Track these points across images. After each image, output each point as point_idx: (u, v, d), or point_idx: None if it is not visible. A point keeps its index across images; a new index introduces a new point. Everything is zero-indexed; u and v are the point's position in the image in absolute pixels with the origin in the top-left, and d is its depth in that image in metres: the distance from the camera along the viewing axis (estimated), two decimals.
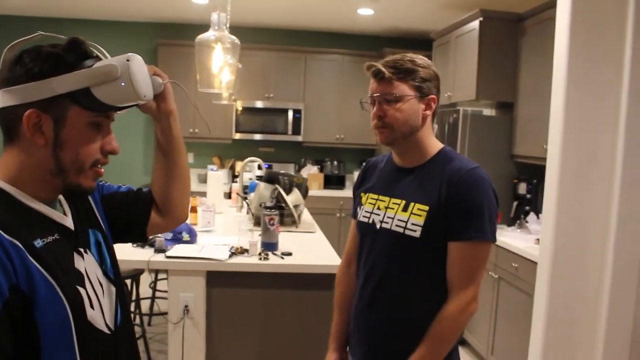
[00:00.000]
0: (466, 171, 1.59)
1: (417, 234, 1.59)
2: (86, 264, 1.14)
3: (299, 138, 6.38)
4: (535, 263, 3.07)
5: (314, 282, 2.78)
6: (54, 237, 1.07)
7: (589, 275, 2.79)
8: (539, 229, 3.05)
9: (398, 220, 1.63)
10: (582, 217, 2.80)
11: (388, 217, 1.66)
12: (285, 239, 3.16)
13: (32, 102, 1.03)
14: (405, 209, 1.63)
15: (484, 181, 1.60)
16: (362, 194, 1.82)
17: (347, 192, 6.41)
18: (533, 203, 3.99)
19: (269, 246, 2.92)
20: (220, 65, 3.25)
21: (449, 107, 4.68)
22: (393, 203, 1.68)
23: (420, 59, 1.68)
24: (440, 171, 1.63)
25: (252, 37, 6.20)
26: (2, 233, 0.97)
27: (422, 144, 1.68)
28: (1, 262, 0.94)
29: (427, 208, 1.59)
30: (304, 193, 3.80)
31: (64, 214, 1.15)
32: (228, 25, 3.18)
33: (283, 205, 3.52)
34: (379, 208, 1.71)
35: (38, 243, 1.02)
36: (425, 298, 1.63)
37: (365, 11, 5.49)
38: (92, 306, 1.10)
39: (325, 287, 2.77)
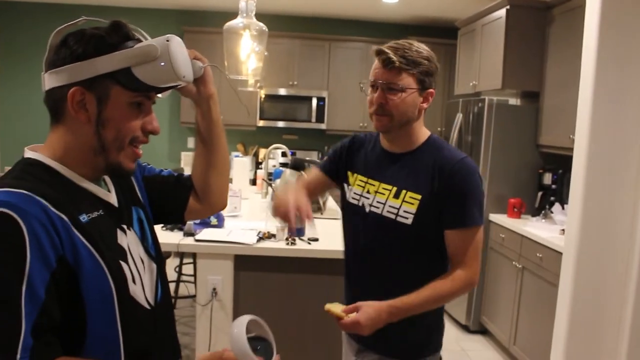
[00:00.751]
0: (458, 161, 1.66)
1: (409, 222, 1.66)
2: (129, 240, 1.17)
3: (323, 126, 6.40)
4: (560, 253, 3.07)
5: (340, 267, 2.81)
6: (98, 213, 1.11)
7: (614, 266, 2.79)
8: (564, 220, 3.05)
9: (389, 206, 1.69)
10: (608, 207, 2.79)
11: (378, 202, 1.72)
12: (312, 225, 3.19)
13: (76, 81, 1.06)
14: (397, 196, 1.69)
15: (475, 171, 1.69)
16: (349, 173, 1.87)
17: None
18: (558, 193, 3.97)
19: (296, 231, 2.95)
20: (248, 53, 3.28)
21: (474, 97, 4.66)
22: (383, 188, 1.73)
23: (425, 50, 1.73)
24: (431, 160, 1.69)
25: (276, 24, 6.21)
26: (50, 207, 1.00)
27: (413, 132, 1.74)
28: (49, 234, 0.98)
29: (419, 197, 1.66)
30: None
31: (109, 191, 1.19)
32: (254, 12, 3.20)
33: None
34: (368, 192, 1.76)
35: (84, 218, 1.06)
36: (413, 282, 1.66)
37: None
38: (134, 281, 1.14)
39: None
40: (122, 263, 1.11)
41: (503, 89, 4.26)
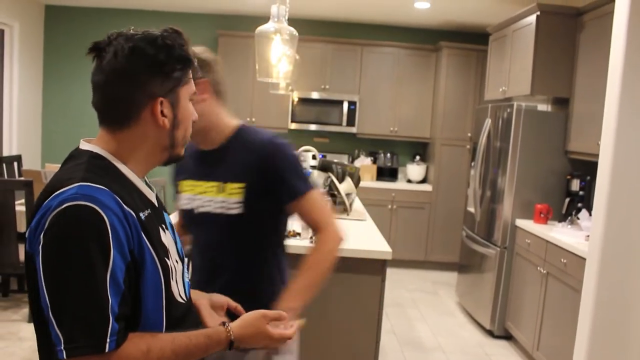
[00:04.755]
0: (270, 142, 1.74)
1: (241, 210, 1.72)
2: (168, 240, 1.25)
3: (353, 129, 6.47)
4: (584, 259, 3.07)
5: (362, 266, 2.88)
6: (149, 211, 1.19)
7: (638, 273, 2.79)
8: (590, 226, 3.05)
9: (218, 202, 1.74)
10: (633, 214, 2.79)
11: (207, 201, 1.76)
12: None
13: (159, 94, 1.15)
14: (222, 190, 1.74)
15: (288, 145, 1.78)
16: (178, 183, 1.90)
17: (400, 185, 6.48)
18: (586, 200, 3.96)
19: None
20: (279, 56, 3.37)
21: (504, 102, 4.67)
22: (208, 187, 1.77)
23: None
24: (245, 147, 1.74)
25: (309, 29, 6.32)
26: (124, 204, 1.08)
27: (216, 126, 1.76)
28: (125, 229, 1.07)
29: (243, 185, 1.72)
30: (356, 182, 3.90)
31: (152, 191, 1.28)
32: (287, 17, 3.29)
33: (335, 193, 3.63)
34: (197, 194, 1.80)
35: (142, 215, 1.14)
36: (261, 267, 1.80)
37: (422, 4, 5.51)
38: (173, 278, 1.22)
39: (373, 272, 2.87)
40: (167, 260, 1.20)
41: (532, 94, 4.27)
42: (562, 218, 4.10)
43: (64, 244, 1.01)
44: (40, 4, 6.57)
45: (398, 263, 6.27)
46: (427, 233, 6.41)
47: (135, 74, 1.13)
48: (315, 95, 6.42)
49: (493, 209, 4.53)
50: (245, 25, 6.29)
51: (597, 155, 2.96)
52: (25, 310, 4.22)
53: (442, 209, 6.38)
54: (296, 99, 6.38)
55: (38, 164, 6.62)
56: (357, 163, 6.55)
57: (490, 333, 4.50)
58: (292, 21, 3.35)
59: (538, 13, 4.19)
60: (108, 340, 1.01)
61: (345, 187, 3.70)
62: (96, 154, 1.15)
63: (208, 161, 1.79)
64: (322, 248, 1.76)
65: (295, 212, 1.79)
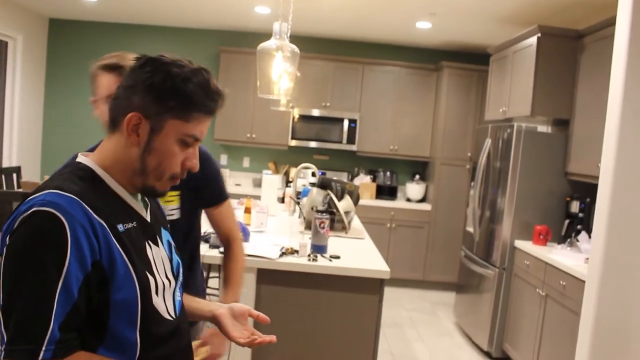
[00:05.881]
0: (199, 149, 1.88)
1: (179, 216, 1.97)
2: (156, 255, 1.25)
3: (354, 147, 6.47)
4: (583, 281, 3.05)
5: (360, 285, 2.86)
6: (133, 224, 1.19)
7: (638, 297, 2.77)
8: (590, 248, 3.03)
9: (166, 209, 1.85)
10: (632, 237, 2.78)
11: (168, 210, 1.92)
12: (335, 243, 3.25)
13: (141, 111, 1.15)
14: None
15: (210, 155, 2.06)
16: None
17: (399, 203, 6.46)
18: (585, 222, 3.95)
19: (319, 248, 3.01)
20: (280, 73, 3.38)
21: (504, 122, 4.68)
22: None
23: None
24: None
25: (311, 46, 6.35)
26: (93, 213, 1.09)
27: None
28: (89, 239, 1.07)
29: (178, 192, 1.94)
30: (355, 200, 3.89)
31: (144, 206, 1.28)
32: (289, 34, 3.31)
33: (334, 210, 3.61)
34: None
35: (120, 227, 1.14)
36: (198, 263, 2.14)
37: (424, 24, 5.55)
38: (157, 293, 1.21)
39: (370, 292, 2.85)
40: (149, 274, 1.19)
41: (533, 115, 4.28)
42: (561, 240, 4.08)
43: (22, 248, 1.03)
44: (44, 17, 6.61)
45: (396, 282, 6.24)
46: (425, 252, 6.39)
47: (135, 83, 1.15)
48: (315, 112, 6.43)
49: (492, 230, 4.52)
50: (248, 41, 6.33)
51: (597, 177, 2.95)
52: None
53: (441, 228, 6.36)
54: (297, 116, 6.39)
55: (37, 176, 6.62)
56: (357, 181, 6.55)
57: (488, 355, 4.46)
58: (293, 38, 3.37)
59: (539, 35, 4.21)
60: (44, 348, 1.00)
61: (344, 205, 3.69)
62: (83, 165, 1.19)
63: None
64: (242, 257, 2.08)
65: (213, 216, 2.05)
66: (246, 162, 6.88)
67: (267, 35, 3.28)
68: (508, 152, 4.29)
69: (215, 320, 1.40)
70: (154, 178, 1.20)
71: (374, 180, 6.69)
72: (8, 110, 6.10)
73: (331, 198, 3.64)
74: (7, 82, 6.06)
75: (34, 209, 1.04)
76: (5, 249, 1.05)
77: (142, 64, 1.16)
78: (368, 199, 6.39)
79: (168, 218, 1.78)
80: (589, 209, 3.90)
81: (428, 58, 6.65)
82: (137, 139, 1.16)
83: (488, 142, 4.69)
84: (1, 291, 1.03)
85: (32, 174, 6.49)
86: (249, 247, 2.95)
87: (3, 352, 1.01)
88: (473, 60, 6.35)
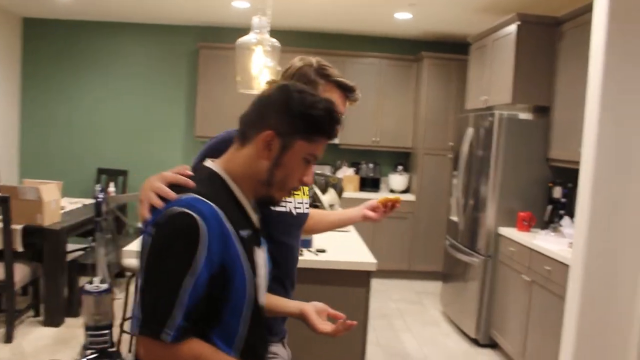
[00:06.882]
0: None
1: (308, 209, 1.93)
2: (261, 260, 1.38)
3: (336, 140, 6.45)
4: (568, 266, 3.08)
5: (347, 278, 2.86)
6: (249, 231, 1.33)
7: (621, 279, 2.80)
8: (573, 233, 3.06)
9: (301, 203, 1.86)
10: (614, 220, 2.81)
11: (299, 203, 1.86)
12: (320, 236, 3.23)
13: (276, 130, 1.30)
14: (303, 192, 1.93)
15: None
16: None
17: (382, 195, 6.46)
18: (568, 207, 3.99)
19: (304, 243, 3.00)
20: (260, 68, 3.35)
21: (485, 111, 4.70)
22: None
23: None
24: None
25: (291, 40, 6.31)
26: (225, 219, 1.23)
27: None
28: (219, 243, 1.21)
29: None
30: (339, 193, 3.88)
31: (256, 214, 1.42)
32: (269, 28, 3.28)
33: (318, 204, 3.60)
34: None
35: (243, 234, 1.29)
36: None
37: (403, 15, 5.55)
38: (261, 293, 1.37)
39: (358, 284, 2.85)
40: (256, 277, 1.34)
41: (513, 103, 4.30)
42: (545, 225, 4.12)
43: (166, 244, 1.18)
44: (17, 17, 6.49)
45: (382, 273, 6.26)
46: (410, 243, 6.41)
47: (270, 104, 1.32)
48: None
49: (476, 218, 4.54)
50: (227, 37, 6.27)
51: (578, 163, 2.98)
52: (2, 330, 4.12)
53: (425, 218, 6.38)
54: None
55: (15, 179, 6.50)
56: (340, 174, 6.54)
57: (476, 342, 4.49)
58: (273, 32, 3.34)
59: (518, 23, 4.23)
60: (167, 331, 1.15)
61: (328, 198, 3.68)
62: (214, 172, 1.34)
63: None
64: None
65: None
66: None
67: (247, 30, 3.25)
68: (490, 140, 4.31)
69: (302, 315, 1.60)
70: (277, 189, 1.35)
71: (357, 172, 6.69)
72: None
73: (315, 192, 3.63)
74: None
75: (180, 210, 1.19)
76: (151, 237, 1.20)
77: (279, 89, 1.34)
78: (351, 192, 6.39)
79: (298, 212, 1.84)
80: (571, 194, 3.94)
81: (408, 49, 6.65)
82: (268, 153, 1.31)
83: (470, 130, 4.71)
84: (142, 273, 1.19)
85: (10, 178, 6.37)
86: None
87: (135, 326, 1.17)
88: (453, 50, 6.36)
